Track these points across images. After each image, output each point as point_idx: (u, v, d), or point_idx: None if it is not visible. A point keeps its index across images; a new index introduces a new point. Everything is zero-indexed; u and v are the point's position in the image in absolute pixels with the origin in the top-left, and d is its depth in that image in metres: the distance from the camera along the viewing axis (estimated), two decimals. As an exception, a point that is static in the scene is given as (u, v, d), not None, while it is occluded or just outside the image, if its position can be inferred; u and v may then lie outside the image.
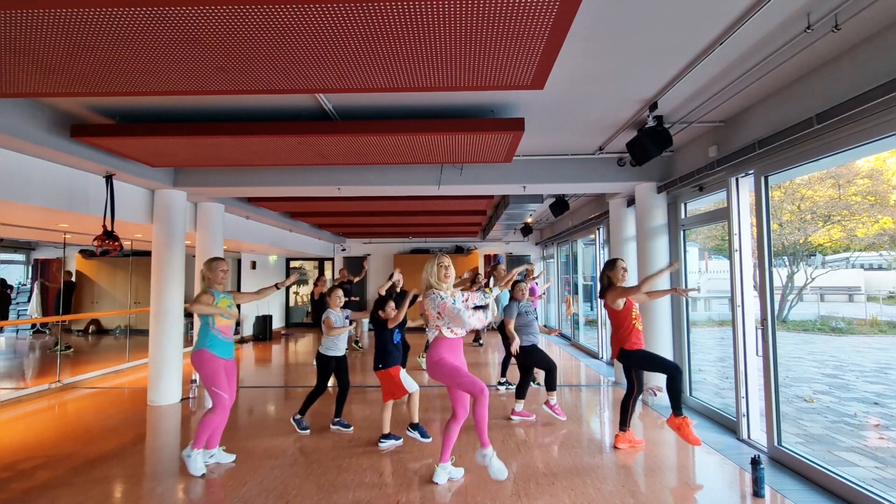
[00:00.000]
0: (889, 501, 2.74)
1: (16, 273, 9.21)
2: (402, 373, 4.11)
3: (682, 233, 5.42)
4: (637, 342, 3.87)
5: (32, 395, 5.97)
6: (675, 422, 3.75)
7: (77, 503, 3.05)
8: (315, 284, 7.75)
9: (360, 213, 8.49)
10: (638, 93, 3.72)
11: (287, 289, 6.70)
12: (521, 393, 4.80)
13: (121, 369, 7.58)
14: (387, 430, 4.08)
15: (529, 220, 9.71)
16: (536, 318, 4.98)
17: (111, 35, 2.36)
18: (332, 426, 4.43)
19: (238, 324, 11.25)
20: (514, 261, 13.29)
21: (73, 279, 9.45)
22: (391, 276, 4.80)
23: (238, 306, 3.85)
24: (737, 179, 4.21)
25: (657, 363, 3.88)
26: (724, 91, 3.63)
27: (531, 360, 4.79)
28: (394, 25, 2.31)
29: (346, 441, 4.16)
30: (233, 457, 3.76)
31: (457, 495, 3.13)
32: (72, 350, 8.65)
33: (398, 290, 6.02)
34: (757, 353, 4.01)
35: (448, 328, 3.23)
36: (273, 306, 12.11)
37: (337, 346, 4.44)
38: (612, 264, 4.02)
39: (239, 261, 11.60)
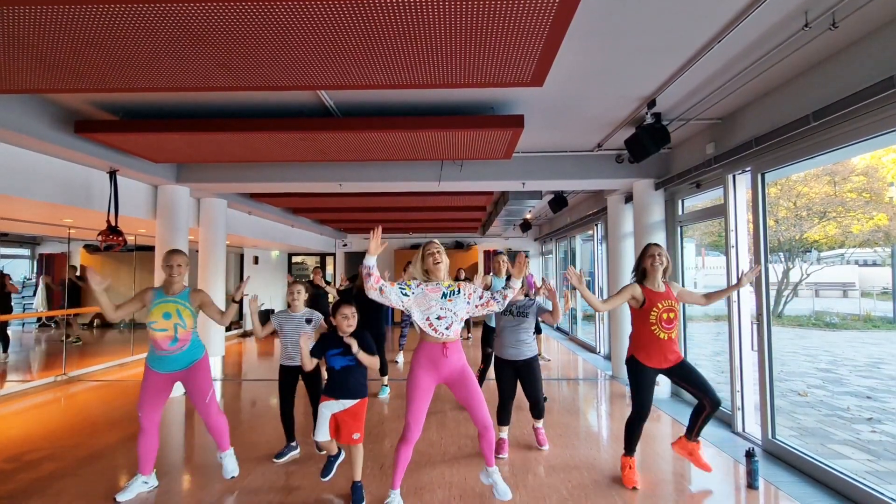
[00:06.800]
0: (880, 493, 2.80)
1: (21, 268, 9.27)
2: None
3: (679, 229, 5.46)
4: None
5: (39, 387, 6.02)
6: (687, 447, 3.35)
7: (82, 494, 3.11)
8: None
9: (361, 209, 8.53)
10: (636, 90, 3.75)
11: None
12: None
13: (125, 362, 7.63)
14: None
15: (529, 216, 9.75)
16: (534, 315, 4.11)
17: (115, 32, 2.40)
18: None
19: (241, 318, 11.33)
20: (514, 257, 13.30)
21: (78, 274, 9.50)
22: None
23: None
24: (734, 176, 4.25)
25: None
26: (721, 89, 3.67)
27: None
28: (395, 23, 2.34)
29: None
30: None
31: (454, 486, 3.19)
32: (81, 342, 8.68)
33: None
34: (752, 348, 4.05)
35: (426, 321, 2.70)
36: (276, 301, 12.15)
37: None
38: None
39: (241, 255, 11.64)
